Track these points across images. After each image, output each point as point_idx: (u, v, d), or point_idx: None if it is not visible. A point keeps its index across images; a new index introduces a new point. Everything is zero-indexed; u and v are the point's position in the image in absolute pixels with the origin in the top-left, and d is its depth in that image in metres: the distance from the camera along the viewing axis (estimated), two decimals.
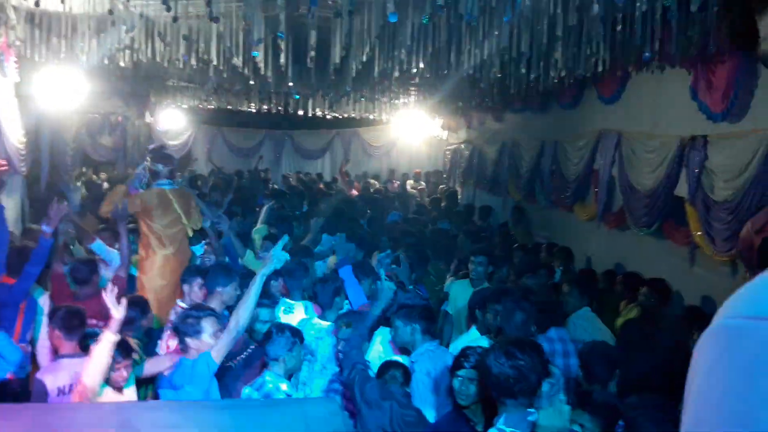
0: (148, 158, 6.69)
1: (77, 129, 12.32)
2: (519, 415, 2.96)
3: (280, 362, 4.18)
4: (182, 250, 6.47)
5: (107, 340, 3.78)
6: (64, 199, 10.51)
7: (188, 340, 4.08)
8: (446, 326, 6.26)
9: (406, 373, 4.30)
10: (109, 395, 3.94)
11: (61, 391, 4.08)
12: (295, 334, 4.31)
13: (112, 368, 3.89)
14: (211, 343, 4.04)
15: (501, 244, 8.94)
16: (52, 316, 4.50)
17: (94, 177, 14.03)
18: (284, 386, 4.09)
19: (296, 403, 3.61)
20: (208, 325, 4.10)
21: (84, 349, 4.17)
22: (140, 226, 6.46)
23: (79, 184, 12.36)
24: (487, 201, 13.37)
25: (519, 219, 10.89)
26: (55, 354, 4.46)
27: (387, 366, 4.37)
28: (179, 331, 4.19)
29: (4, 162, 8.29)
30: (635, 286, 6.22)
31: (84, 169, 13.61)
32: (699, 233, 6.16)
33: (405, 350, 4.67)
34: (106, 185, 13.15)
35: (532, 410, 3.01)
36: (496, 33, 5.81)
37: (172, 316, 5.09)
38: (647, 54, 5.23)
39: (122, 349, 3.95)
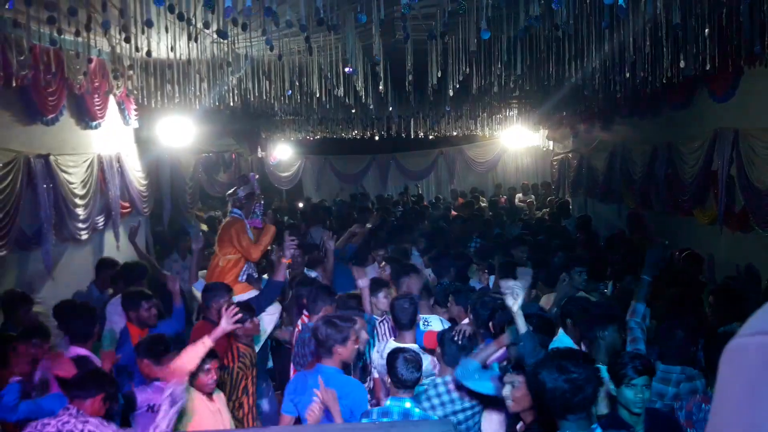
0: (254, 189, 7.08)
1: (194, 168, 13.00)
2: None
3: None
4: None
5: (203, 344, 4.08)
6: (186, 235, 11.16)
7: (337, 347, 4.19)
8: None
9: None
10: (198, 401, 4.12)
11: (150, 408, 4.21)
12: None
13: (201, 369, 4.08)
14: (353, 349, 4.22)
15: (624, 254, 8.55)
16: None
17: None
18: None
19: (412, 425, 3.62)
20: (352, 333, 4.25)
21: None
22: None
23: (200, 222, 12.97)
24: (600, 210, 12.98)
25: (636, 226, 10.50)
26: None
27: None
28: (329, 338, 4.19)
29: (127, 204, 8.85)
30: None
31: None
32: None
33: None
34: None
35: (594, 425, 2.89)
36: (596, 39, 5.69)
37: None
38: (758, 47, 4.96)
39: (211, 351, 4.15)
